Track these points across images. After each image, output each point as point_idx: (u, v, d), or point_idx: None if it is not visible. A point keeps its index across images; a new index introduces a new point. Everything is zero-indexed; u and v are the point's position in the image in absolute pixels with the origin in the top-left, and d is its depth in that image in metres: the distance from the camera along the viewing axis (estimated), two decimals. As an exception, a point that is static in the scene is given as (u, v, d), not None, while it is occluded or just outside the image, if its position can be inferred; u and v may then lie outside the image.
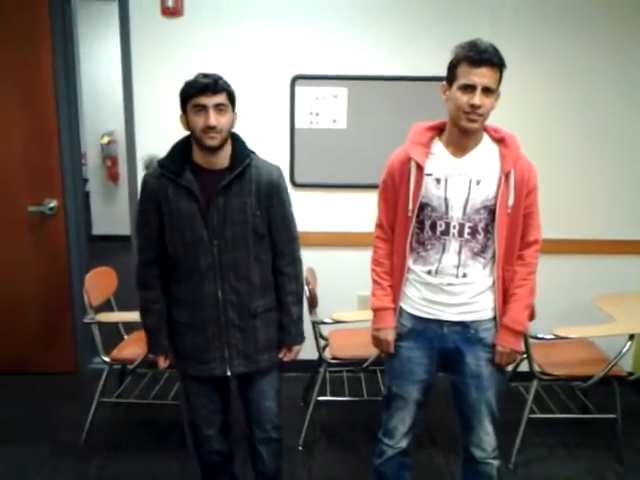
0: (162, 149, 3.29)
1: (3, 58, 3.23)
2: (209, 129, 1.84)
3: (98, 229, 6.90)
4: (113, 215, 6.88)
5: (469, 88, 1.71)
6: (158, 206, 1.95)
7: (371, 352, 2.84)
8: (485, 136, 1.86)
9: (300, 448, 2.85)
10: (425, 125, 1.90)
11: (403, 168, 1.88)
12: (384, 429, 2.11)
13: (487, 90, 1.70)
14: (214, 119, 1.84)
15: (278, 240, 2.05)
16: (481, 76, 1.68)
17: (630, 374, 2.90)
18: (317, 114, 3.34)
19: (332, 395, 3.22)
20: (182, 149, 1.96)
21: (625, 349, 2.64)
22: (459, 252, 1.87)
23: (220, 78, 1.88)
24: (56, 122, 3.32)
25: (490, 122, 1.92)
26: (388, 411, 2.08)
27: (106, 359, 2.87)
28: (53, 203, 3.40)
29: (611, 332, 2.72)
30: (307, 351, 2.81)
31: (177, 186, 1.92)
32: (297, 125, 3.35)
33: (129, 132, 3.37)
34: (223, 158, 1.94)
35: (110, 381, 3.00)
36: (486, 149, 1.85)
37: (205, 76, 1.87)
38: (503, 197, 1.82)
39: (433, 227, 1.87)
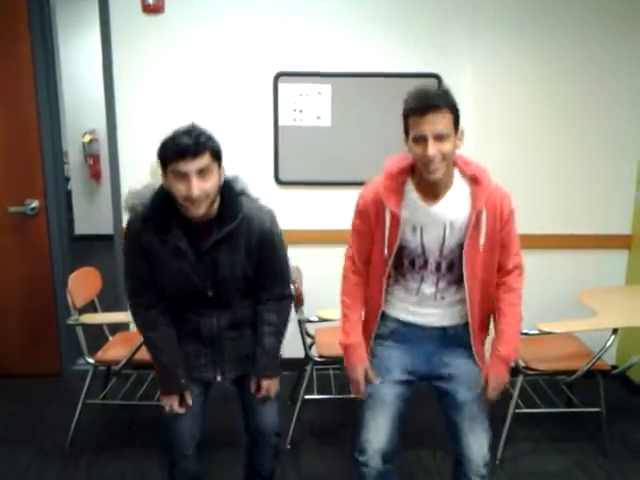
0: (144, 147, 3.29)
1: (-19, 57, 3.18)
2: (192, 199, 1.69)
3: (80, 228, 6.84)
4: (96, 214, 6.83)
5: (421, 139, 1.64)
6: (146, 254, 1.85)
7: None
8: (456, 173, 1.79)
9: (288, 447, 2.84)
10: (396, 166, 1.81)
11: (377, 211, 1.83)
12: (358, 445, 1.89)
13: (440, 136, 1.63)
14: (197, 189, 1.66)
15: (266, 281, 1.99)
16: (429, 124, 1.61)
17: (614, 368, 2.93)
18: (301, 111, 3.32)
19: (319, 393, 3.21)
20: (166, 200, 1.79)
21: (609, 343, 2.66)
22: (437, 282, 1.87)
23: (202, 134, 1.69)
24: (37, 121, 3.28)
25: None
26: (362, 422, 1.91)
27: (91, 360, 2.84)
28: (34, 203, 3.35)
29: (595, 326, 2.74)
30: (293, 349, 2.81)
31: (165, 242, 1.81)
32: (281, 122, 3.33)
33: (111, 130, 3.33)
34: (211, 211, 1.80)
35: (95, 383, 2.96)
36: (458, 190, 1.78)
37: (185, 132, 1.68)
38: (473, 235, 1.78)
39: (412, 263, 1.86)
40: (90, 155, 6.74)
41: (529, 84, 3.31)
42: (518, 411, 2.84)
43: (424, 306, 1.91)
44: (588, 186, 3.44)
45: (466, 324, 1.92)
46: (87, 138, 6.63)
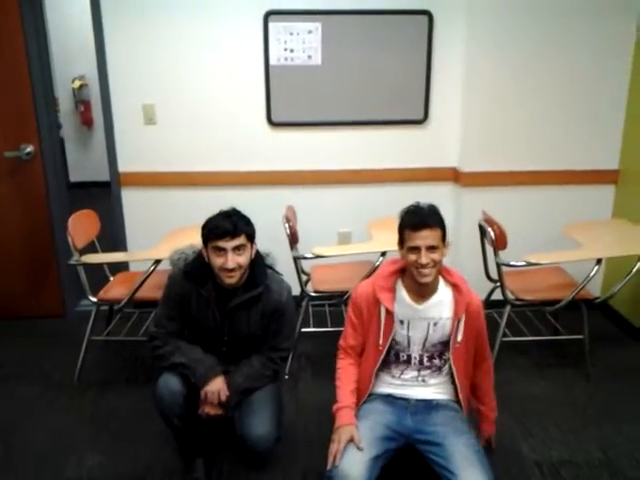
0: (136, 90, 3.29)
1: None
2: (227, 270, 2.04)
3: (75, 176, 6.82)
4: (89, 161, 6.82)
5: (415, 249, 1.93)
6: (181, 305, 2.21)
7: (351, 285, 2.94)
8: (440, 280, 2.06)
9: (286, 377, 2.98)
10: (388, 270, 2.08)
11: (370, 306, 2.07)
12: None
13: (431, 247, 1.92)
14: (232, 262, 2.04)
15: (269, 339, 2.28)
16: (423, 238, 1.92)
17: (597, 298, 3.03)
18: (292, 50, 3.31)
19: (315, 326, 3.34)
20: (204, 263, 2.14)
21: (593, 273, 2.76)
22: (418, 370, 2.11)
23: (240, 219, 2.06)
24: (27, 66, 3.27)
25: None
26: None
27: (93, 299, 2.93)
28: (29, 148, 3.38)
29: (579, 257, 2.84)
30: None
31: (199, 295, 2.16)
32: (272, 62, 3.33)
33: (102, 75, 3.33)
34: (240, 280, 2.14)
35: (97, 323, 3.06)
36: (441, 295, 2.05)
37: (226, 216, 2.05)
38: (455, 336, 2.05)
39: (397, 356, 2.10)
40: (81, 101, 6.66)
41: (524, 20, 3.26)
42: (505, 339, 2.97)
43: (406, 387, 2.12)
44: (576, 122, 3.47)
45: (447, 400, 2.12)
46: (77, 84, 6.54)
